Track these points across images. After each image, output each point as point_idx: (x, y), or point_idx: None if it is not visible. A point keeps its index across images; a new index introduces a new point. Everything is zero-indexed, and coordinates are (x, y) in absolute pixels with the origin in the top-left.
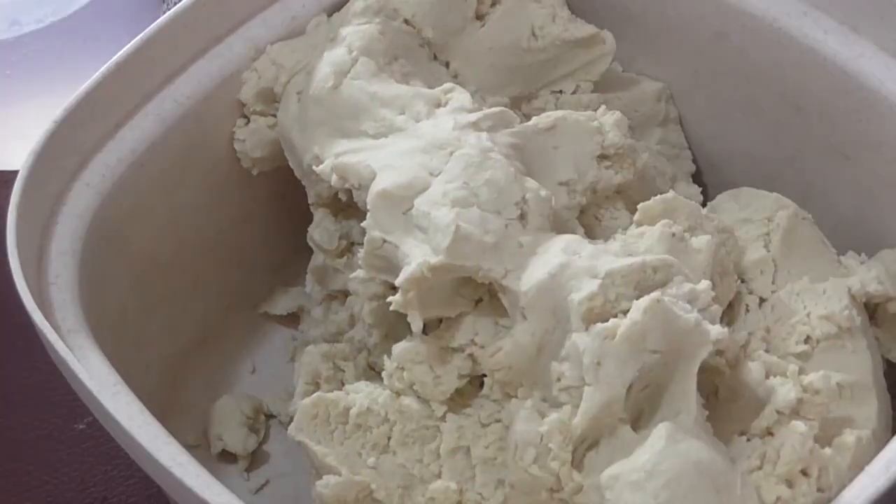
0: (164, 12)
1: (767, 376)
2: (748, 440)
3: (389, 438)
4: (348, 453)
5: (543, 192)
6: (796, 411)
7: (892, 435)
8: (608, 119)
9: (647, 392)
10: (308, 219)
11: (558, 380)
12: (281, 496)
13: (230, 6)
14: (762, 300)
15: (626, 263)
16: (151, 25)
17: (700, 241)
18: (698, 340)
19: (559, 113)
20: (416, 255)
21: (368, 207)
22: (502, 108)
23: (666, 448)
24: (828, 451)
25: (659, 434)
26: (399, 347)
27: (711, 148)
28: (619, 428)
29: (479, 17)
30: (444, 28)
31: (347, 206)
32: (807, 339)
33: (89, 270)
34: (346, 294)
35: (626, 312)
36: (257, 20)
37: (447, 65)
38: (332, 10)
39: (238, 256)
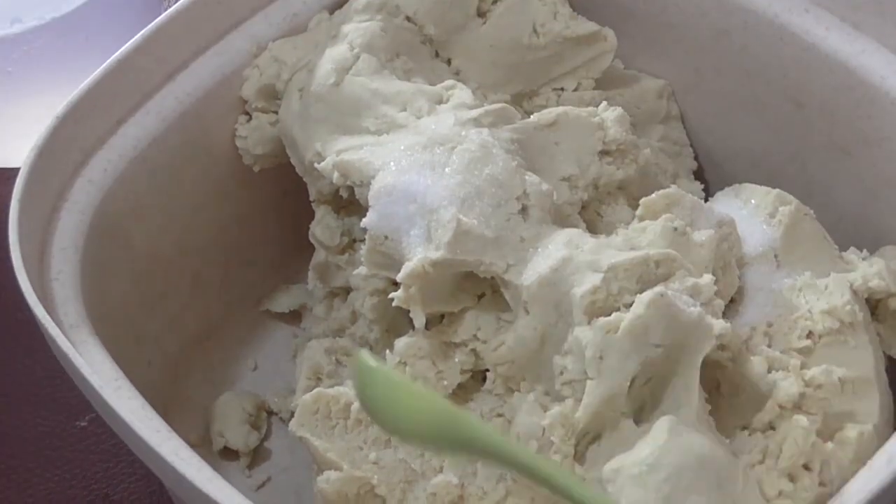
0: (166, 9)
1: (769, 371)
2: (750, 434)
3: None
4: (349, 448)
5: (545, 187)
6: (798, 406)
7: (894, 430)
8: (609, 115)
9: (650, 386)
10: (310, 215)
11: (561, 373)
12: (282, 492)
13: (231, 3)
14: None
15: (629, 257)
16: (153, 22)
17: (702, 236)
18: (701, 334)
19: (560, 109)
20: (418, 251)
21: (370, 204)
22: (503, 104)
23: (668, 442)
24: (830, 445)
25: (661, 428)
26: (401, 343)
27: (713, 145)
28: (621, 421)
29: (481, 14)
30: (446, 25)
31: (349, 203)
32: (809, 334)
33: (91, 266)
34: (347, 291)
35: (628, 306)
36: (259, 17)
37: (449, 62)
38: (333, 7)
39: (239, 253)
